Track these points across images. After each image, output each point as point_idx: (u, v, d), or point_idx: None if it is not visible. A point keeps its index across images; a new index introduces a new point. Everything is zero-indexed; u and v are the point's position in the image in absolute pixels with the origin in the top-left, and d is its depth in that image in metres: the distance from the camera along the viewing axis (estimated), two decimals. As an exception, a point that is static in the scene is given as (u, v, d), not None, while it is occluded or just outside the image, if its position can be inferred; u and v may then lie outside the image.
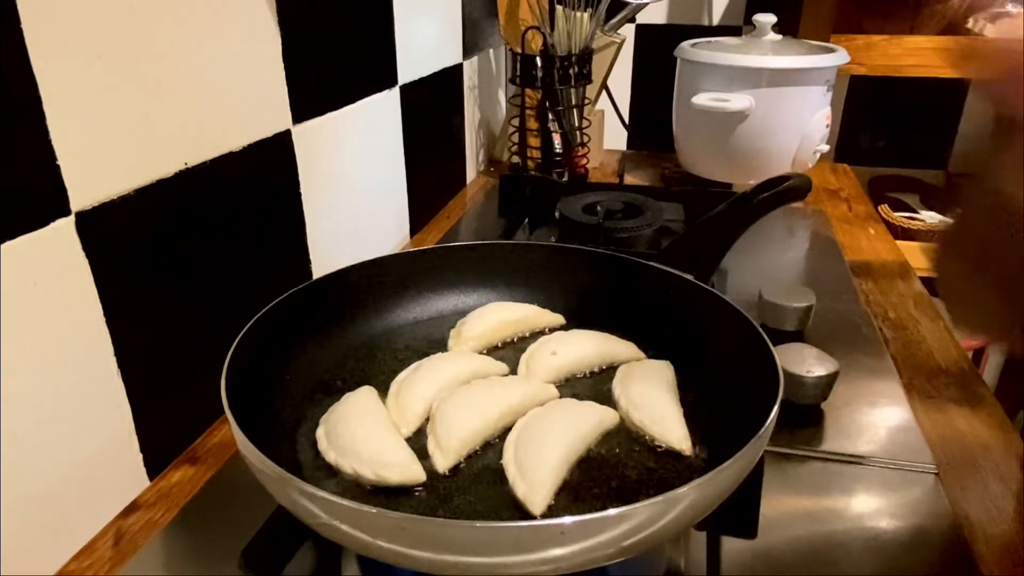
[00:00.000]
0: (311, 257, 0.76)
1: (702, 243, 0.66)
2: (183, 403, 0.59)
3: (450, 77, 1.11)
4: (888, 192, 1.60)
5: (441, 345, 0.60)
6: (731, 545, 0.48)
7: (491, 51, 1.29)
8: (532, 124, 1.17)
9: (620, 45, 1.29)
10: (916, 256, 1.32)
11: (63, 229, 0.46)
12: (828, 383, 0.61)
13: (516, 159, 1.20)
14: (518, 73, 1.12)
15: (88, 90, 0.47)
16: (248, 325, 0.49)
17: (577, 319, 0.63)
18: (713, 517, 0.40)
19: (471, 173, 1.28)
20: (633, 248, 0.83)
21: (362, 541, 0.36)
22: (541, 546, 0.34)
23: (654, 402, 0.50)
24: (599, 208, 0.89)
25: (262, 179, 0.66)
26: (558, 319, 0.63)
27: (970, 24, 1.32)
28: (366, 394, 0.51)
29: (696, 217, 0.93)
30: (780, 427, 0.42)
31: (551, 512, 0.42)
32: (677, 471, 0.46)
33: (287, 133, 0.69)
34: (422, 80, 1.00)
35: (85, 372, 0.49)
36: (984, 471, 0.57)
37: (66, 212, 0.46)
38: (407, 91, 0.95)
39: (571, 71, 1.10)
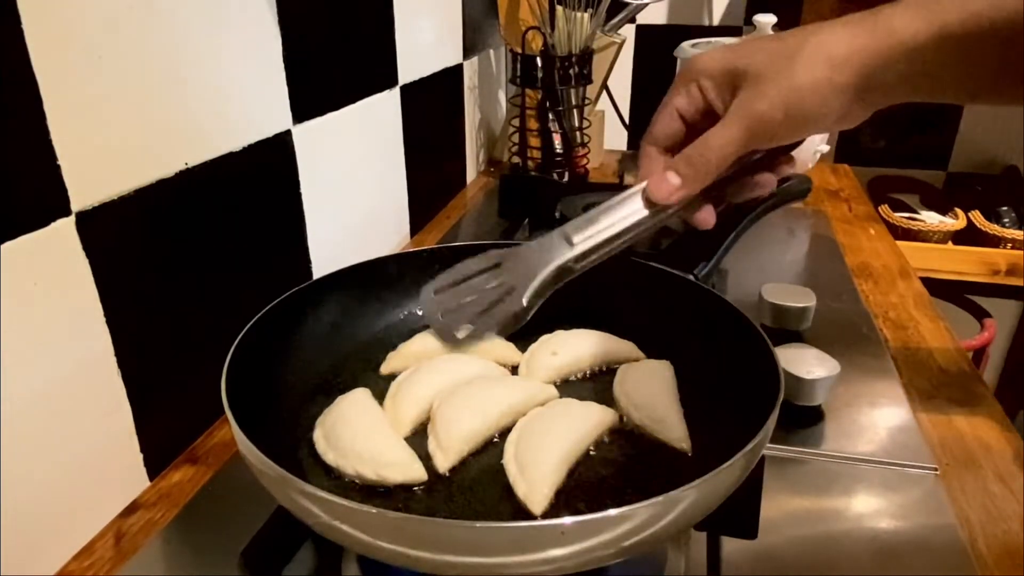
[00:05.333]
0: (311, 257, 0.76)
1: (702, 243, 0.66)
2: (183, 403, 0.59)
3: (450, 77, 1.11)
4: (888, 192, 1.60)
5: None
6: (731, 545, 0.48)
7: (491, 51, 1.29)
8: (532, 124, 1.17)
9: (620, 45, 1.29)
10: (916, 256, 1.32)
11: (63, 229, 0.46)
12: (828, 383, 0.61)
13: (516, 159, 1.20)
14: (518, 73, 1.12)
15: (88, 90, 0.47)
16: (248, 325, 0.49)
17: (577, 319, 0.63)
18: (713, 517, 0.40)
19: (471, 173, 1.28)
20: (633, 248, 0.83)
21: (362, 541, 0.36)
22: (541, 546, 0.34)
23: (654, 402, 0.50)
24: (599, 208, 0.88)
25: (262, 179, 0.66)
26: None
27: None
28: (361, 395, 0.51)
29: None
30: (780, 427, 0.42)
31: (551, 512, 0.42)
32: (677, 471, 0.46)
33: (287, 133, 0.69)
34: (422, 80, 1.00)
35: (85, 372, 0.49)
36: (984, 471, 0.57)
37: (66, 212, 0.46)
38: (407, 91, 0.95)
39: (571, 71, 1.10)
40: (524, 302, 0.44)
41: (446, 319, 0.45)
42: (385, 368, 0.57)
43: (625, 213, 0.45)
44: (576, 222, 0.45)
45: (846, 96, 0.39)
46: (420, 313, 0.54)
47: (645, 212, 0.44)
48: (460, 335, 0.44)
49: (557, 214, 0.90)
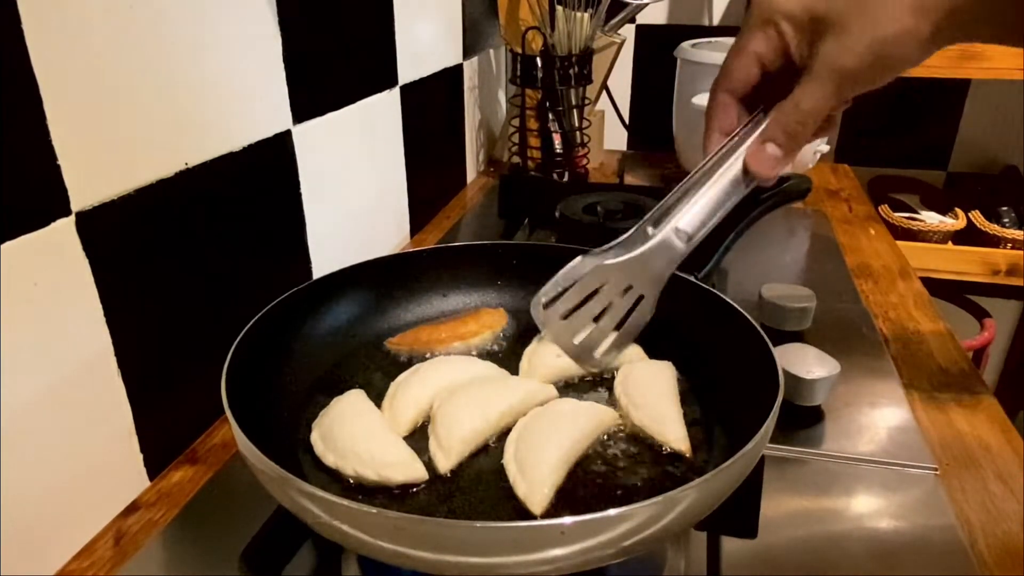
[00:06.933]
0: (311, 257, 0.76)
1: (702, 243, 0.65)
2: (183, 403, 0.59)
3: (450, 77, 1.11)
4: (888, 192, 1.60)
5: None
6: (731, 545, 0.48)
7: (491, 51, 1.29)
8: (532, 124, 1.17)
9: (620, 45, 1.29)
10: (916, 256, 1.32)
11: (63, 229, 0.46)
12: (828, 383, 0.61)
13: (516, 159, 1.20)
14: (518, 73, 1.12)
15: (88, 90, 0.47)
16: (248, 325, 0.49)
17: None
18: (713, 517, 0.40)
19: (471, 173, 1.28)
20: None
21: (362, 541, 0.36)
22: (541, 546, 0.34)
23: (654, 402, 0.50)
24: (599, 208, 0.89)
25: (262, 179, 0.67)
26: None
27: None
28: (356, 396, 0.51)
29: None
30: (780, 427, 0.42)
31: (551, 512, 0.42)
32: (677, 471, 0.46)
33: (287, 133, 0.69)
34: (422, 80, 1.00)
35: (85, 372, 0.49)
36: (984, 471, 0.57)
37: (66, 212, 0.46)
38: (407, 91, 0.95)
39: (571, 71, 1.10)
40: (653, 309, 0.44)
41: (583, 342, 0.44)
42: (391, 342, 0.59)
43: (723, 191, 0.43)
44: (682, 213, 0.43)
45: (930, 42, 0.38)
46: (544, 336, 0.48)
47: (744, 187, 0.43)
48: (599, 355, 0.44)
49: (557, 214, 0.91)
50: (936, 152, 1.62)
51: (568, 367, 0.56)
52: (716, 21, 1.51)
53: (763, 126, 0.43)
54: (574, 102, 1.14)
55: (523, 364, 0.56)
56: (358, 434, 0.46)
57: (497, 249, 0.66)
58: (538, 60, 1.09)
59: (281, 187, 0.70)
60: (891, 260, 0.96)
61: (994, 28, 0.39)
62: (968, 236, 1.48)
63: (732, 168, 0.43)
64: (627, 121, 1.48)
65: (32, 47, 0.42)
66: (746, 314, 0.51)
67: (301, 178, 0.72)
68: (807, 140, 0.42)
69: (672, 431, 0.48)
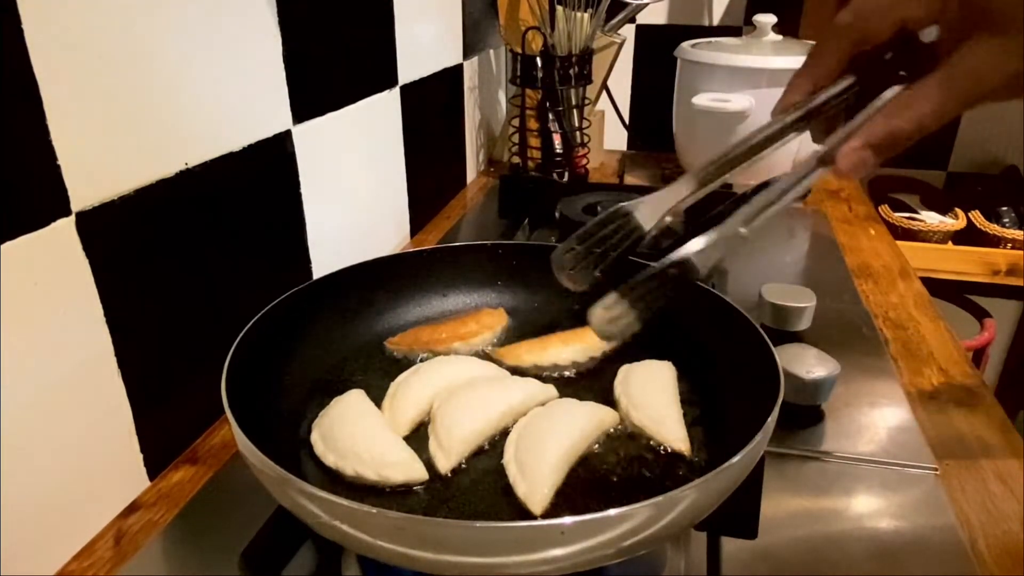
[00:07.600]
0: (311, 257, 0.76)
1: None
2: (183, 403, 0.59)
3: (450, 77, 1.11)
4: (888, 192, 1.60)
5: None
6: (731, 545, 0.48)
7: (491, 51, 1.29)
8: (532, 124, 1.17)
9: (620, 45, 1.29)
10: (916, 256, 1.32)
11: (63, 229, 0.46)
12: (828, 383, 0.61)
13: (516, 159, 1.20)
14: (518, 73, 1.12)
15: (88, 90, 0.47)
16: (248, 325, 0.49)
17: (578, 319, 0.63)
18: (713, 517, 0.40)
19: (471, 173, 1.28)
20: (634, 248, 0.83)
21: (362, 541, 0.36)
22: (541, 546, 0.34)
23: (654, 402, 0.50)
24: (599, 208, 0.89)
25: (262, 179, 0.67)
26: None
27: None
28: (356, 396, 0.51)
29: (696, 217, 0.93)
30: (780, 427, 0.42)
31: (551, 512, 0.42)
32: (677, 471, 0.46)
33: (287, 133, 0.69)
34: (422, 80, 1.00)
35: (85, 372, 0.49)
36: (984, 471, 0.57)
37: (66, 212, 0.46)
38: (407, 91, 0.95)
39: (571, 71, 1.10)
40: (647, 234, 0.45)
41: (575, 271, 0.47)
42: (391, 342, 0.59)
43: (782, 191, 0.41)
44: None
45: None
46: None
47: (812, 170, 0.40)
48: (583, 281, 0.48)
49: (557, 214, 0.91)
50: (936, 152, 1.62)
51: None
52: (716, 21, 1.51)
53: (859, 122, 0.37)
54: (574, 102, 1.14)
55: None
56: (358, 434, 0.46)
57: (497, 249, 0.66)
58: (538, 60, 1.09)
59: (281, 187, 0.70)
60: (891, 260, 0.96)
61: None
62: (968, 236, 1.48)
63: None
64: (627, 121, 1.48)
65: (32, 47, 0.42)
66: (746, 314, 0.51)
67: (301, 178, 0.72)
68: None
69: (672, 431, 0.48)
